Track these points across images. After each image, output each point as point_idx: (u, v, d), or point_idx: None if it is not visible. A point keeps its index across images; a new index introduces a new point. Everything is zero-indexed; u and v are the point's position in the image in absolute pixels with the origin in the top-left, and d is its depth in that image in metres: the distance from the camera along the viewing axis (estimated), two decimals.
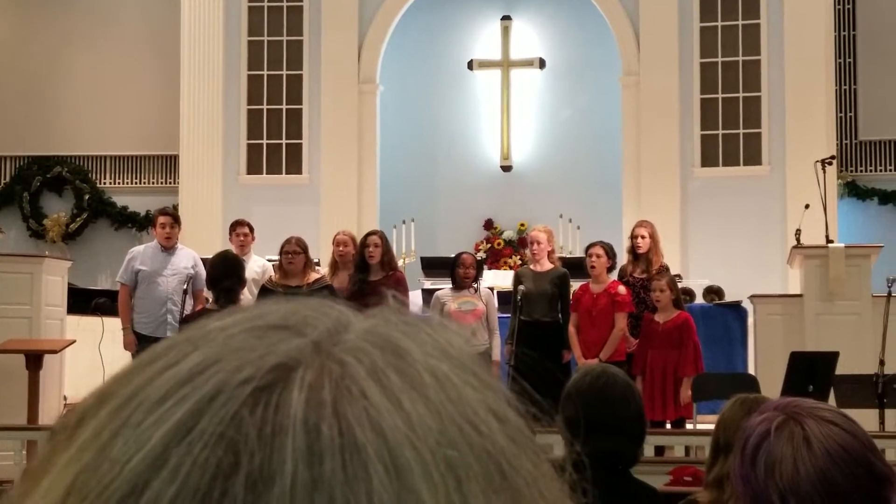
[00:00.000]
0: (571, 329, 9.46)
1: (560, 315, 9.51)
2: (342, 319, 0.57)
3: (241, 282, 7.77)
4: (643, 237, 9.85)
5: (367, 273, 9.21)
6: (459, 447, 0.52)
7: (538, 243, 9.66)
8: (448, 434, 0.52)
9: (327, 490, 0.49)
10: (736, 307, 11.32)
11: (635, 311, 9.55)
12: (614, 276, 9.79)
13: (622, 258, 10.24)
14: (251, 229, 10.52)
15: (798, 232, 10.47)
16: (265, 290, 8.80)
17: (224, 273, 7.72)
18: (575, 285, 9.93)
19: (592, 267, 9.53)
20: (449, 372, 0.55)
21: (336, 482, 0.50)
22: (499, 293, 10.50)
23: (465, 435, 0.53)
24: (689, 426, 9.12)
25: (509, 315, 9.61)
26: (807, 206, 10.71)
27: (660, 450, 8.31)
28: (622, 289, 9.49)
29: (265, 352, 0.53)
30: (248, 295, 9.69)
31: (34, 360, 9.54)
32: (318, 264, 10.05)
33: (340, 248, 9.69)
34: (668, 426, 9.14)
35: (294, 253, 9.02)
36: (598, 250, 9.56)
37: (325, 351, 0.54)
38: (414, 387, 0.53)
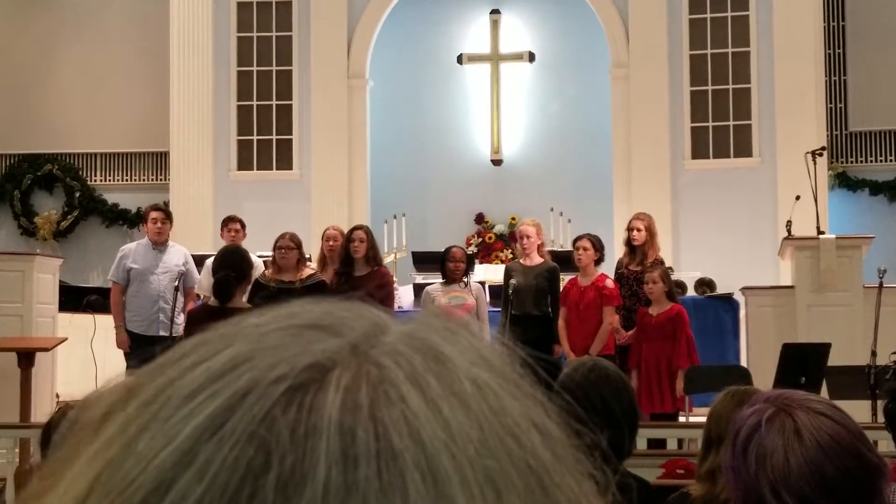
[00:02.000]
0: (561, 323, 9.46)
1: (550, 309, 9.51)
2: (379, 322, 0.55)
3: (238, 275, 7.61)
4: (639, 230, 9.85)
5: (352, 268, 9.19)
6: (500, 459, 0.50)
7: (527, 237, 9.66)
8: (488, 444, 0.50)
9: (361, 497, 0.48)
10: (727, 299, 11.34)
11: (624, 304, 9.55)
12: (603, 269, 9.79)
13: (617, 251, 10.24)
14: (243, 225, 10.52)
15: (789, 223, 10.48)
16: (258, 286, 8.78)
17: (218, 266, 7.70)
18: (566, 279, 9.93)
19: (579, 259, 9.53)
20: (490, 381, 0.53)
21: (371, 489, 0.48)
22: (490, 287, 10.50)
23: (506, 446, 0.51)
24: (682, 419, 9.13)
25: (500, 309, 9.61)
26: (797, 198, 10.72)
27: (660, 443, 8.28)
28: (609, 282, 9.50)
29: (300, 350, 0.52)
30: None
31: (26, 358, 9.51)
32: (309, 260, 10.04)
33: (330, 243, 9.69)
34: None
35: (287, 248, 9.00)
36: (585, 243, 9.55)
37: (363, 352, 0.52)
38: (454, 394, 0.51)
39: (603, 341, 9.33)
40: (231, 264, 7.64)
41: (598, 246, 9.58)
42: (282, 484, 0.48)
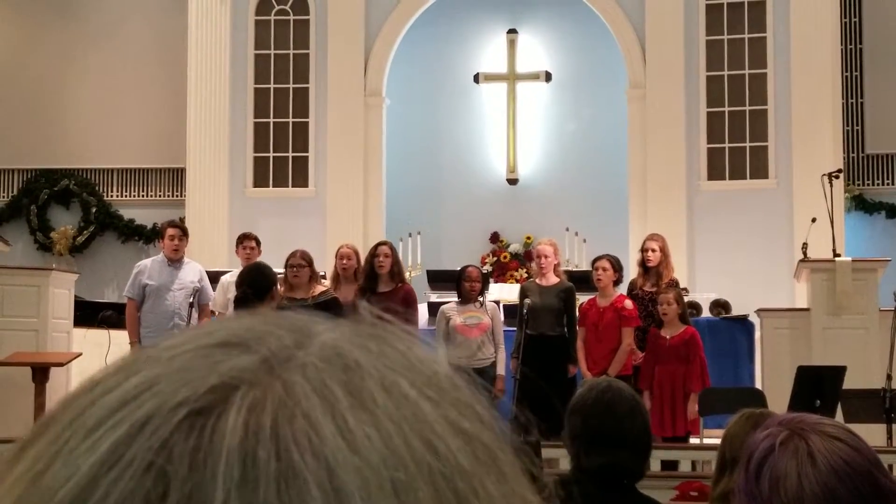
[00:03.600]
0: (579, 343, 9.44)
1: (566, 329, 9.48)
2: (304, 332, 0.54)
3: (257, 292, 7.54)
4: (654, 250, 9.83)
5: (376, 284, 9.19)
6: (408, 469, 0.49)
7: (545, 257, 9.64)
8: (396, 455, 0.49)
9: None
10: (743, 321, 11.29)
11: (642, 325, 9.53)
12: (621, 289, 9.77)
13: (632, 271, 10.23)
14: (258, 242, 10.52)
15: (805, 245, 10.45)
16: None
17: (238, 283, 7.71)
18: (581, 299, 9.91)
19: (599, 280, 9.51)
20: (407, 387, 0.52)
21: None
22: (505, 307, 10.49)
23: (416, 456, 0.50)
24: (695, 441, 9.09)
25: (515, 329, 9.59)
26: (813, 220, 10.69)
27: (672, 465, 8.25)
28: (628, 303, 9.47)
29: (206, 372, 0.51)
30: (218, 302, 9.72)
31: (41, 373, 9.55)
32: (323, 277, 10.03)
33: (344, 262, 9.65)
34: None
35: (299, 266, 9.00)
36: (605, 263, 9.54)
37: (273, 369, 0.51)
38: (363, 405, 0.50)
39: (622, 362, 9.30)
40: (250, 282, 7.65)
41: (617, 267, 9.57)
42: None
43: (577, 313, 9.64)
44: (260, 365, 0.51)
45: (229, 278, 9.53)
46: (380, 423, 0.50)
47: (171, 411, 0.49)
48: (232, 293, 8.92)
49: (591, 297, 9.74)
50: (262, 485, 0.48)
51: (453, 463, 0.51)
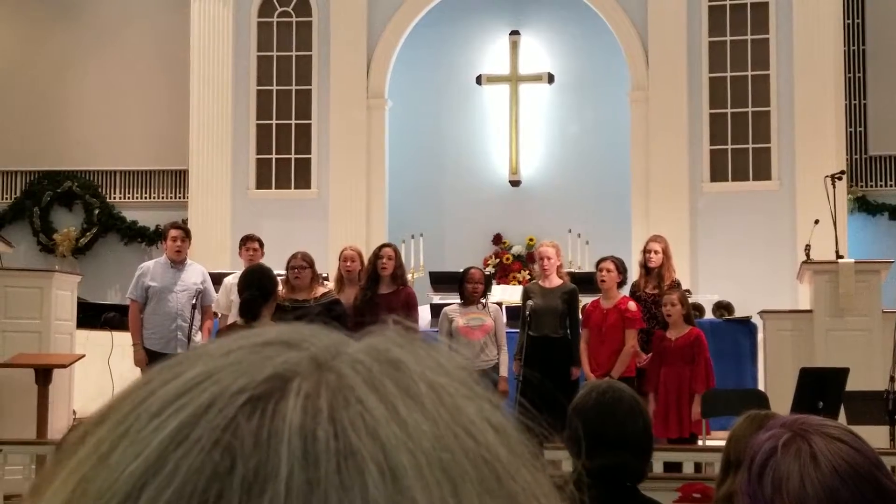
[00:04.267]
0: (583, 345, 9.43)
1: (569, 331, 9.48)
2: (341, 339, 0.58)
3: (263, 293, 7.59)
4: (656, 252, 9.83)
5: (377, 285, 9.20)
6: (454, 452, 0.53)
7: (547, 258, 9.63)
8: (443, 439, 0.53)
9: (322, 492, 0.51)
10: (745, 322, 11.29)
11: (646, 326, 9.52)
12: (625, 291, 9.77)
13: (634, 273, 10.22)
14: (261, 244, 10.52)
15: (808, 247, 10.45)
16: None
17: (244, 285, 7.70)
18: (584, 300, 9.91)
19: (603, 281, 9.51)
20: (445, 384, 0.56)
21: (331, 485, 0.51)
22: (507, 308, 10.49)
23: (460, 441, 0.54)
24: (699, 442, 9.08)
25: (518, 330, 9.59)
26: (816, 222, 10.68)
27: (673, 466, 8.24)
28: (632, 305, 9.47)
29: (262, 364, 0.55)
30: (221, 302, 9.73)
31: (43, 375, 9.55)
32: (326, 279, 10.03)
33: (347, 264, 9.64)
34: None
35: (300, 268, 9.00)
36: (609, 265, 9.54)
37: (323, 363, 0.55)
38: (410, 395, 0.54)
39: (625, 364, 9.30)
40: (257, 284, 7.66)
41: (621, 268, 9.57)
42: (247, 484, 0.51)
43: (581, 315, 9.63)
44: (310, 360, 0.56)
45: (232, 280, 9.53)
46: (426, 411, 0.54)
47: (233, 396, 0.53)
48: (235, 295, 8.93)
49: (595, 298, 9.74)
50: (323, 461, 0.51)
51: (492, 450, 0.55)
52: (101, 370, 10.40)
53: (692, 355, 9.15)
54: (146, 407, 0.54)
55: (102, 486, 0.52)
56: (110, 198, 16.00)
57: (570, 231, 13.85)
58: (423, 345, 0.59)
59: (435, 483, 0.52)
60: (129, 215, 15.89)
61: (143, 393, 0.55)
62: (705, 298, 12.28)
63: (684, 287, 10.38)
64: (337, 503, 0.50)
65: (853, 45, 15.11)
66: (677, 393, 9.12)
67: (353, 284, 9.49)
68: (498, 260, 15.11)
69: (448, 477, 0.52)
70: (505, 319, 9.78)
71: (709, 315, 11.76)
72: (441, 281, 12.12)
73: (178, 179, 15.66)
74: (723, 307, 12.05)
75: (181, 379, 0.55)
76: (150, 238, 15.57)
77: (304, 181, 14.74)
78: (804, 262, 10.52)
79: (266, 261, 10.23)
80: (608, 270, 9.49)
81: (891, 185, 15.06)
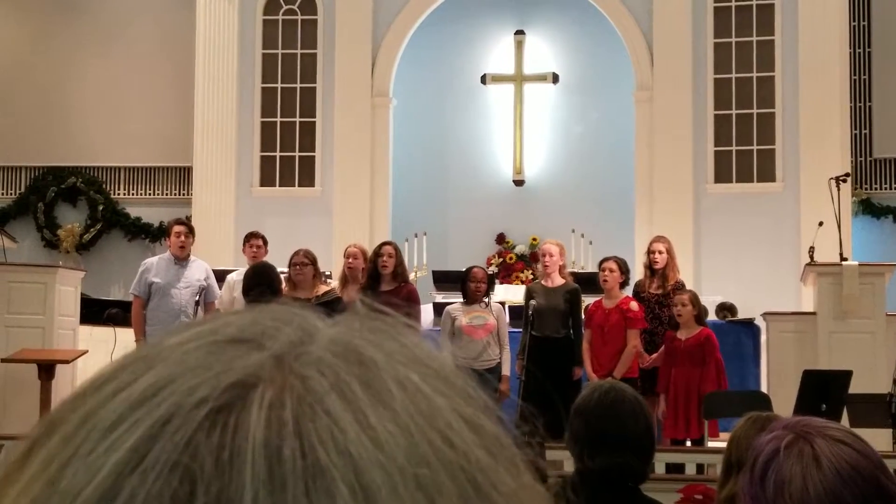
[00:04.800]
0: (585, 345, 9.42)
1: (571, 331, 9.47)
2: (306, 328, 0.54)
3: (272, 290, 7.70)
4: (660, 252, 9.82)
5: (378, 283, 9.20)
6: (431, 465, 0.50)
7: (549, 255, 9.62)
8: (418, 451, 0.50)
9: None
10: (749, 324, 11.28)
11: (648, 326, 9.51)
12: (627, 291, 9.76)
13: (638, 273, 10.22)
14: (265, 241, 10.52)
15: (812, 249, 10.44)
16: None
17: (254, 283, 7.73)
18: (587, 301, 9.90)
19: (605, 281, 9.51)
20: (419, 381, 0.52)
21: None
22: (510, 308, 10.48)
23: (437, 450, 0.50)
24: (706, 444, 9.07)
25: (520, 330, 9.58)
26: (820, 224, 10.67)
27: (678, 468, 8.23)
28: (634, 305, 9.46)
29: (222, 369, 0.51)
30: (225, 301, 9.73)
31: (46, 370, 9.56)
32: (329, 277, 10.03)
33: (350, 261, 9.63)
34: (689, 444, 9.08)
35: (302, 265, 9.00)
36: (612, 265, 9.53)
37: (287, 365, 0.51)
38: (381, 400, 0.51)
39: (627, 364, 9.29)
40: (266, 281, 7.69)
41: (623, 268, 9.56)
42: None
43: (583, 315, 9.63)
44: (274, 361, 0.51)
45: (236, 276, 9.54)
46: (399, 418, 0.50)
47: (193, 409, 0.49)
48: (238, 292, 8.94)
49: (597, 298, 9.73)
50: (290, 484, 0.47)
51: (471, 457, 0.51)
52: (103, 366, 10.40)
53: (702, 356, 9.13)
54: (98, 420, 0.50)
55: None
56: (114, 194, 16.01)
57: (573, 231, 13.84)
58: (394, 332, 0.55)
59: (410, 501, 0.48)
60: (133, 212, 15.90)
61: (94, 401, 0.51)
62: (708, 300, 12.24)
63: (687, 287, 10.36)
64: None
65: (858, 48, 15.08)
66: (686, 394, 9.09)
67: (356, 282, 9.49)
68: (501, 259, 15.10)
69: (425, 494, 0.49)
70: (508, 319, 9.77)
71: (712, 316, 11.74)
72: (444, 280, 12.12)
73: (182, 176, 15.66)
74: (726, 308, 12.05)
75: (135, 387, 0.51)
76: (154, 234, 15.58)
77: (307, 179, 14.74)
78: (808, 264, 10.51)
79: (269, 258, 10.24)
80: (610, 270, 9.49)
81: (895, 188, 15.04)
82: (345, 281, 9.64)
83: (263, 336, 0.53)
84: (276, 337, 0.53)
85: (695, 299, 9.36)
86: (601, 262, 9.74)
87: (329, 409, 0.50)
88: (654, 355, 9.38)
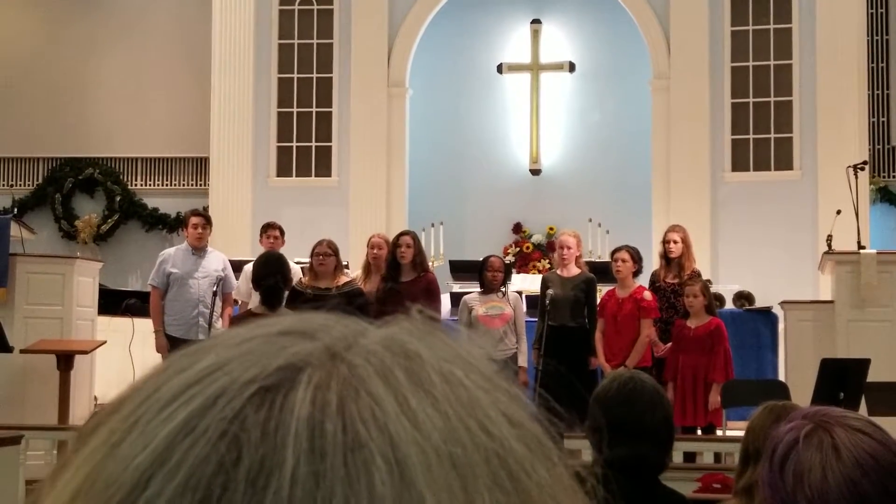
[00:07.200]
0: (598, 335, 9.42)
1: (587, 321, 9.47)
2: (358, 328, 0.58)
3: (285, 280, 7.79)
4: (675, 242, 9.80)
5: (399, 274, 9.20)
6: (466, 447, 0.52)
7: (567, 247, 9.62)
8: (455, 434, 0.52)
9: (328, 485, 0.50)
10: (766, 313, 11.25)
11: (661, 316, 9.50)
12: (641, 280, 9.74)
13: (654, 263, 10.20)
14: (282, 232, 10.55)
15: (829, 237, 10.40)
16: (295, 292, 8.80)
17: (266, 272, 7.76)
18: (603, 290, 9.89)
19: (618, 271, 9.50)
20: (462, 376, 0.55)
21: (337, 478, 0.50)
22: (527, 297, 10.48)
23: (473, 435, 0.53)
24: (718, 433, 9.07)
25: (536, 319, 9.58)
26: (838, 212, 10.63)
27: (691, 456, 8.25)
28: (647, 294, 9.45)
29: (274, 355, 0.55)
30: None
31: (65, 361, 9.60)
32: (346, 267, 10.04)
33: (374, 251, 9.62)
34: (700, 432, 9.09)
35: (325, 255, 9.01)
36: (624, 255, 9.52)
37: (336, 354, 0.55)
38: (423, 388, 0.54)
39: (640, 354, 9.28)
40: (277, 270, 7.74)
41: (636, 258, 9.54)
42: (252, 476, 0.50)
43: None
44: (324, 350, 0.55)
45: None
46: (438, 404, 0.53)
47: (242, 387, 0.53)
48: None
49: (611, 287, 9.73)
50: (330, 454, 0.51)
51: (507, 446, 0.54)
52: (122, 356, 10.45)
53: (711, 345, 9.13)
54: (157, 397, 0.54)
55: (110, 477, 0.52)
56: (132, 185, 16.06)
57: (590, 220, 13.83)
58: (443, 335, 0.58)
59: (443, 478, 0.51)
60: (151, 202, 15.95)
61: (155, 383, 0.55)
62: (726, 288, 12.24)
63: (705, 277, 10.35)
64: (342, 496, 0.50)
65: (876, 35, 15.01)
66: (693, 381, 9.11)
67: (379, 272, 9.47)
68: (518, 249, 15.10)
69: (458, 472, 0.51)
70: (525, 308, 9.77)
71: (729, 305, 11.73)
72: (461, 269, 12.12)
73: (200, 167, 15.70)
74: (743, 297, 12.02)
75: (193, 369, 0.55)
76: (171, 225, 15.63)
77: (324, 169, 14.76)
78: (825, 253, 10.48)
79: (286, 249, 10.27)
80: (623, 260, 9.48)
81: None
82: (368, 271, 9.63)
83: (317, 330, 0.57)
84: (328, 331, 0.57)
85: (706, 289, 9.34)
86: (613, 252, 9.73)
87: (372, 391, 0.53)
88: (669, 344, 9.37)
